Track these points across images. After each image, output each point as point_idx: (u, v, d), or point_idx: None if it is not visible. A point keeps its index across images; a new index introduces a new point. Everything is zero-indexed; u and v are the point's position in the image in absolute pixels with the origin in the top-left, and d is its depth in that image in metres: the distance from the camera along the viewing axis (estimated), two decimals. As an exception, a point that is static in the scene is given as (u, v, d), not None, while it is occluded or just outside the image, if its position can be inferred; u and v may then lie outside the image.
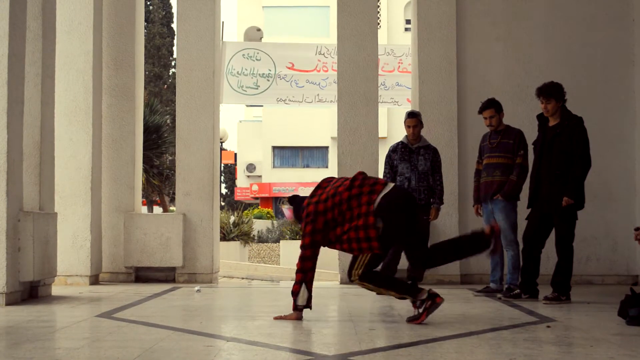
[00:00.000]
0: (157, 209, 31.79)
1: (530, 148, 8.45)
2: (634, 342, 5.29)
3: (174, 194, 17.71)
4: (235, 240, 23.71)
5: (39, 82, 8.16)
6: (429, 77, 10.55)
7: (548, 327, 6.10)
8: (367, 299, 8.23)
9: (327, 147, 42.16)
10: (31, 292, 7.99)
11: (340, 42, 10.68)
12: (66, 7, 9.82)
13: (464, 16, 10.71)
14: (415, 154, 9.06)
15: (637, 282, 10.14)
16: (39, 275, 7.89)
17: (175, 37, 11.18)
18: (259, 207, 41.23)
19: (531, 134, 8.53)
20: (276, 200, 45.50)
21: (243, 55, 13.08)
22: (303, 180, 44.55)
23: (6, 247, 7.24)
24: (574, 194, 7.85)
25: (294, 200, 6.63)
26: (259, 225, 29.21)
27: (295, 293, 6.29)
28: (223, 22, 12.41)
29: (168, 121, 27.55)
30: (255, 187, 45.87)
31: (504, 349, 4.99)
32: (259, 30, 43.92)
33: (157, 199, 29.70)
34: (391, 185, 6.30)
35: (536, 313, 6.97)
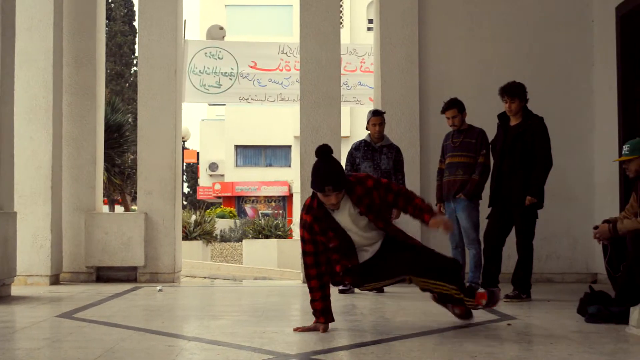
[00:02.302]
0: (119, 208, 31.57)
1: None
2: (593, 339, 5.35)
3: (135, 193, 17.62)
4: (197, 240, 23.59)
5: (-2, 79, 8.07)
6: (391, 77, 10.59)
7: (509, 324, 6.15)
8: (329, 298, 8.24)
9: (289, 146, 42.10)
10: (-10, 292, 7.90)
11: (303, 41, 10.68)
12: (26, 4, 9.70)
13: (426, 15, 10.75)
14: (378, 152, 9.09)
15: (596, 280, 10.26)
16: (-2, 275, 7.80)
17: (137, 35, 11.10)
18: (222, 206, 41.09)
19: (492, 132, 8.59)
20: (239, 200, 45.42)
21: (205, 53, 13.03)
22: (266, 179, 44.49)
23: (-36, 247, 7.15)
24: (537, 193, 7.93)
25: None
26: (222, 225, 29.11)
27: None
28: (185, 20, 12.36)
29: (130, 120, 27.36)
30: (217, 186, 45.69)
31: (466, 347, 5.03)
32: (221, 28, 43.67)
33: (119, 198, 29.52)
34: None
35: (497, 311, 7.01)
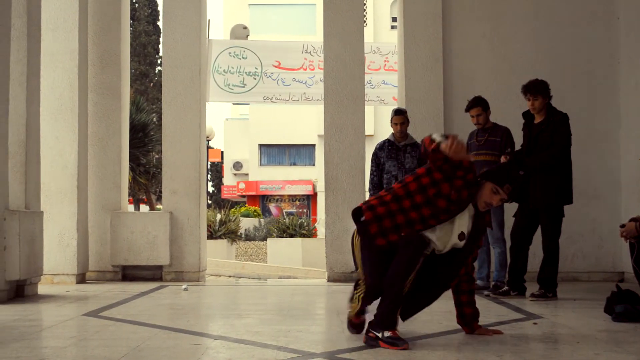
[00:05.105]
0: (144, 208, 31.73)
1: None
2: (620, 339, 5.32)
3: (160, 192, 17.71)
4: (222, 239, 23.66)
5: (24, 80, 8.12)
6: (415, 75, 10.56)
7: (535, 324, 6.12)
8: (354, 297, 8.23)
9: (314, 145, 42.15)
10: (17, 291, 7.95)
11: (327, 40, 10.67)
12: (51, 5, 9.77)
13: (450, 13, 10.72)
14: (402, 151, 9.08)
15: (623, 279, 10.19)
16: (25, 274, 7.86)
17: (161, 35, 11.15)
18: (246, 205, 41.18)
19: (517, 131, 8.55)
20: (263, 199, 45.50)
21: (229, 53, 13.07)
22: (290, 178, 44.53)
23: (-8, 246, 7.21)
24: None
25: None
26: (246, 224, 29.16)
27: None
28: (209, 20, 12.40)
29: (154, 119, 27.52)
30: (242, 185, 45.80)
31: (492, 346, 5.01)
32: (245, 28, 43.84)
33: (144, 197, 29.68)
34: None
35: (523, 310, 7.00)
